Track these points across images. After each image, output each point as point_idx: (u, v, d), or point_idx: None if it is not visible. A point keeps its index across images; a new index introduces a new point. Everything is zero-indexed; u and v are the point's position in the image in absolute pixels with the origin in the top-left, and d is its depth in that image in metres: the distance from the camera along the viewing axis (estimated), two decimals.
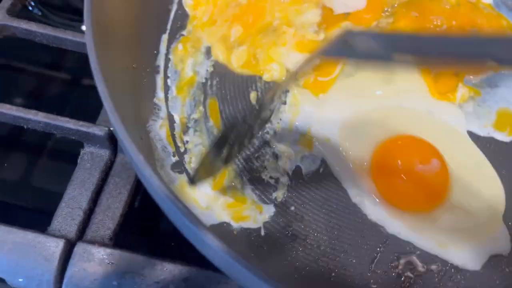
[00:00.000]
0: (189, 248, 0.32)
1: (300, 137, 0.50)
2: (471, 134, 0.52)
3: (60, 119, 0.47)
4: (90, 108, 0.51)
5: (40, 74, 0.63)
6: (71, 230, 0.44)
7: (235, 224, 0.44)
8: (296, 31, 0.54)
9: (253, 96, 0.51)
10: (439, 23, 0.55)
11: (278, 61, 0.53)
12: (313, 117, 0.51)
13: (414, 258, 0.44)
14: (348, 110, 0.52)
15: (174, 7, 0.55)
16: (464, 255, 0.45)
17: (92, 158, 0.48)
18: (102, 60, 0.37)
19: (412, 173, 0.45)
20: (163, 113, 0.48)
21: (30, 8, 0.69)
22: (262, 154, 0.48)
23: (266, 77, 0.52)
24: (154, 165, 0.43)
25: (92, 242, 0.43)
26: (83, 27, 0.46)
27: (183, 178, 0.44)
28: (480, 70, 0.54)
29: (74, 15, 0.71)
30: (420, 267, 0.44)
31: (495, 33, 0.51)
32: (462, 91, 0.54)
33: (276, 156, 0.48)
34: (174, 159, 0.46)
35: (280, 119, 0.50)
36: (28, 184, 0.54)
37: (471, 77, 0.56)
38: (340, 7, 0.57)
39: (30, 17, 0.67)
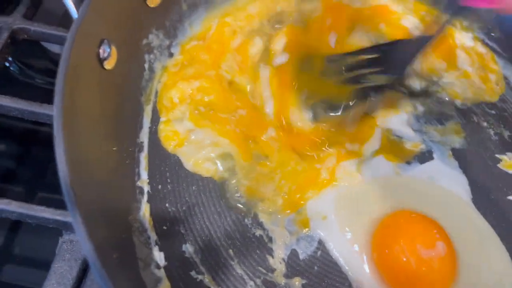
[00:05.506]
0: None
1: (295, 216, 0.46)
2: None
3: (35, 208, 0.44)
4: None
5: (15, 150, 0.59)
6: None
7: None
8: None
9: None
10: None
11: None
12: None
13: None
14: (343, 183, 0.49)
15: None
16: None
17: (71, 247, 0.45)
18: (72, 147, 0.35)
19: (417, 259, 0.42)
20: (146, 197, 0.45)
21: (7, 64, 0.66)
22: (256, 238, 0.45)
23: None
24: (136, 268, 0.39)
25: None
26: None
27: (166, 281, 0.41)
28: None
29: (52, 66, 0.68)
30: None
31: None
32: None
33: (270, 239, 0.45)
34: (159, 253, 0.42)
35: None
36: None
37: None
38: None
39: (7, 74, 0.64)
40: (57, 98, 0.36)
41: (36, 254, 0.51)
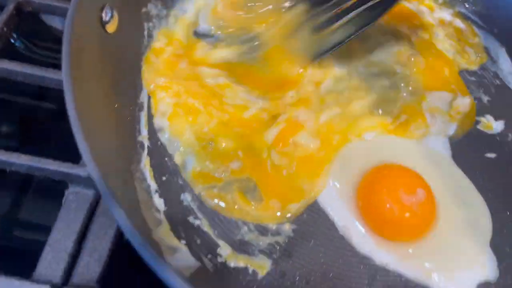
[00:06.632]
0: None
1: None
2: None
3: (42, 161, 0.47)
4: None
5: (23, 111, 0.63)
6: (57, 274, 0.43)
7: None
8: None
9: None
10: None
11: None
12: None
13: None
14: None
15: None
16: (451, 284, 0.45)
17: (77, 198, 0.48)
18: (80, 103, 0.38)
19: (398, 203, 0.45)
20: (146, 151, 0.48)
21: (13, 40, 0.69)
22: None
23: None
24: (138, 208, 0.42)
25: (78, 286, 0.43)
26: None
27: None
28: None
29: (56, 45, 0.71)
30: None
31: None
32: None
33: None
34: (158, 199, 0.45)
35: None
36: (12, 228, 0.53)
37: None
38: None
39: (13, 50, 0.67)
40: (64, 56, 0.40)
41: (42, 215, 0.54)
